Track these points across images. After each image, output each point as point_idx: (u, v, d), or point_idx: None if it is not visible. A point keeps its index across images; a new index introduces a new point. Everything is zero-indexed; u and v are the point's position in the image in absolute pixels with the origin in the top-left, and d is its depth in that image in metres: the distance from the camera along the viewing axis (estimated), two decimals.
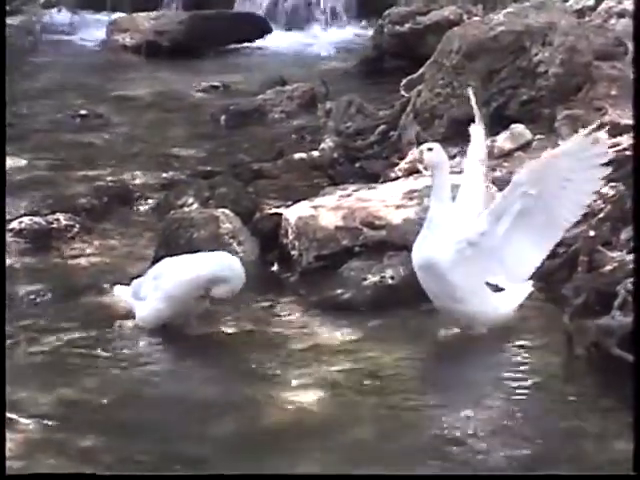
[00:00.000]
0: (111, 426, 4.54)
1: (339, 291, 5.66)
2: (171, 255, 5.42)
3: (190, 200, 6.55)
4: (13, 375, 4.82)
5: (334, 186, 6.38)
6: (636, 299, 4.82)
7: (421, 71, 7.30)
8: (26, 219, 6.51)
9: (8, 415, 4.52)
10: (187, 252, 5.48)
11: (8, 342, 5.14)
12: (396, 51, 9.34)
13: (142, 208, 6.80)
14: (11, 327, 5.29)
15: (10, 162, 7.34)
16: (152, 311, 5.25)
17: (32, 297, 5.70)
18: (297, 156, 7.05)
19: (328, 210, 5.94)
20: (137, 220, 6.68)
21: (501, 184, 6.17)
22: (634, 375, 4.46)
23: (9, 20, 10.16)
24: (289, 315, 5.54)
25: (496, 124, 6.78)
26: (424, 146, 5.23)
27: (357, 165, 6.95)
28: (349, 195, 6.05)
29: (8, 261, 6.11)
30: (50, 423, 4.54)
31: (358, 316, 5.48)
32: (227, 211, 6.14)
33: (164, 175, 7.19)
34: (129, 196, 6.91)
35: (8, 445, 4.33)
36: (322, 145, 7.07)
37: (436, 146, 5.20)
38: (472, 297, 5.04)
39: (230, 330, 5.35)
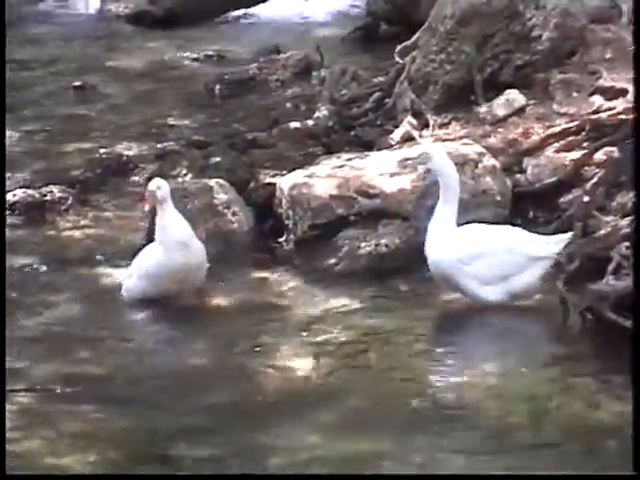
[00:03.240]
0: (106, 397, 4.56)
1: (334, 260, 5.69)
2: None
3: (184, 170, 6.56)
4: (9, 347, 4.84)
5: (329, 155, 6.38)
6: (636, 270, 4.84)
7: (415, 37, 7.26)
8: (20, 192, 6.51)
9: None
10: None
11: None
12: (391, 18, 9.30)
13: (136, 179, 6.79)
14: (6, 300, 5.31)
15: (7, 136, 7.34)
16: (133, 286, 5.34)
17: (26, 270, 5.72)
18: (292, 125, 7.01)
19: (322, 179, 5.94)
20: (131, 191, 6.66)
21: (495, 151, 6.19)
22: (634, 375, 4.44)
23: None
24: (284, 284, 5.55)
25: (490, 90, 6.77)
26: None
27: (352, 133, 6.91)
28: (343, 164, 6.05)
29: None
30: (45, 394, 4.58)
31: (353, 284, 5.50)
32: (221, 181, 6.13)
33: (158, 145, 7.17)
34: (123, 167, 6.90)
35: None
36: (317, 114, 7.03)
37: (437, 151, 5.26)
38: (485, 289, 5.13)
39: (224, 301, 5.37)
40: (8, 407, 4.39)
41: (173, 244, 5.24)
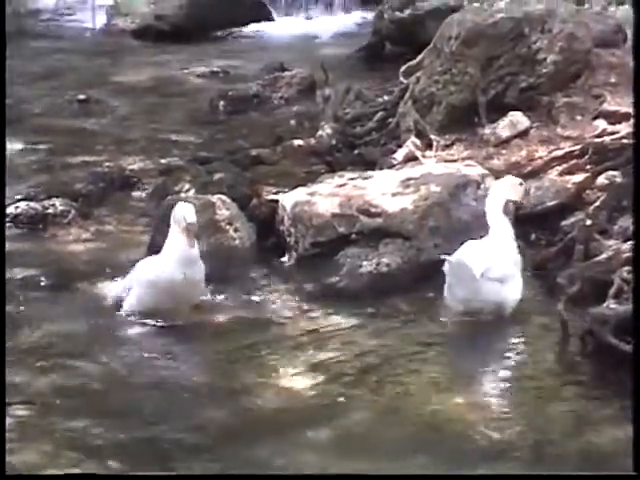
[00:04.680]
0: (102, 411, 4.55)
1: (335, 278, 5.69)
2: (164, 241, 5.39)
3: (187, 186, 6.56)
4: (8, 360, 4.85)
5: (332, 173, 6.39)
6: (636, 292, 4.85)
7: (420, 57, 7.29)
8: (22, 204, 6.52)
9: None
10: None
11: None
12: (396, 37, 9.33)
13: (139, 194, 6.81)
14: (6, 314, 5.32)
15: (7, 146, 7.35)
16: (130, 300, 5.32)
17: (27, 283, 5.71)
18: (295, 142, 7.05)
19: (325, 197, 5.95)
20: (134, 205, 6.68)
21: (498, 173, 6.20)
22: (634, 375, 4.46)
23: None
24: (285, 302, 5.54)
25: (494, 111, 6.78)
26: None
27: (355, 152, 6.94)
28: (346, 182, 6.06)
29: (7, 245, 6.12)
30: (42, 407, 4.57)
31: (354, 303, 5.49)
32: (224, 197, 6.14)
33: (162, 161, 7.20)
34: (126, 181, 6.91)
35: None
36: (320, 132, 7.06)
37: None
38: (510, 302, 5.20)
39: (224, 317, 5.36)
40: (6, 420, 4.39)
41: (182, 258, 5.23)
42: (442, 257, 5.18)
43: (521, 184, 5.44)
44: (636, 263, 4.94)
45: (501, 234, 5.27)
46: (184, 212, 5.26)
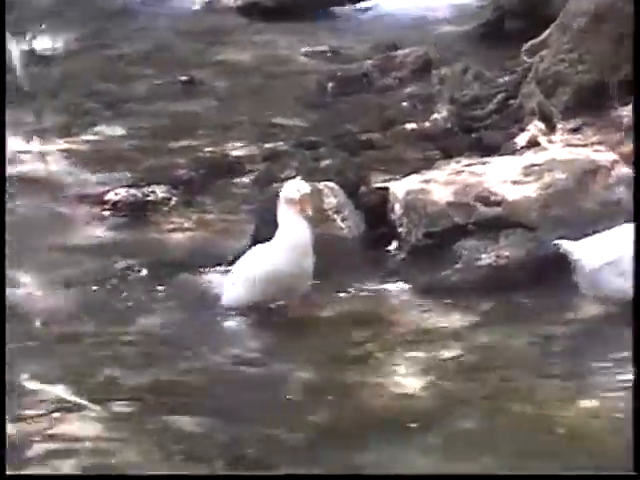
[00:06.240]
0: (205, 409, 4.61)
1: (449, 271, 5.67)
2: (270, 231, 5.44)
3: (293, 172, 6.59)
4: (104, 355, 4.97)
5: (447, 159, 6.37)
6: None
7: (545, 34, 7.20)
8: (122, 190, 6.63)
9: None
10: None
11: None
12: (518, 11, 9.21)
13: (242, 180, 6.87)
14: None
15: (107, 131, 7.47)
16: (235, 293, 5.35)
17: (128, 273, 5.80)
18: (408, 126, 7.06)
19: (440, 184, 5.94)
20: (237, 193, 6.74)
21: (630, 159, 6.09)
22: (634, 375, 4.47)
23: None
24: (394, 296, 5.55)
25: (626, 92, 6.66)
26: None
27: (473, 136, 6.90)
28: (463, 169, 6.04)
29: (103, 234, 6.21)
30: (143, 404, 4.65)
31: (470, 298, 5.48)
32: (331, 184, 6.17)
33: (266, 145, 7.25)
34: (229, 167, 6.99)
35: None
36: (435, 114, 7.06)
37: None
38: None
39: (332, 312, 5.39)
40: (105, 416, 4.45)
41: (297, 246, 5.24)
42: (556, 243, 5.15)
43: None
44: (636, 263, 4.97)
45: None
46: (295, 185, 5.30)
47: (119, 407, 4.60)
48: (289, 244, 5.24)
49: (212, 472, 4.18)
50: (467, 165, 6.09)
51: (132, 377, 4.84)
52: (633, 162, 5.53)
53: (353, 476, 4.16)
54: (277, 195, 5.43)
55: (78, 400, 4.57)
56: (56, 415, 4.51)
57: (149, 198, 6.56)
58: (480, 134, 6.87)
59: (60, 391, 4.64)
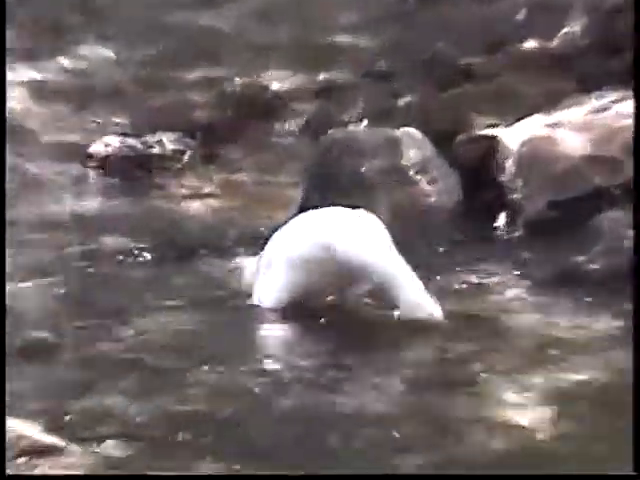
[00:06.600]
0: (237, 452, 4.58)
1: (585, 256, 5.67)
2: (325, 197, 5.53)
3: (357, 113, 6.71)
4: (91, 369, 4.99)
5: (583, 93, 6.43)
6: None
7: None
8: (114, 140, 6.67)
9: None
10: (350, 192, 5.58)
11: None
12: None
13: (286, 126, 6.94)
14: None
15: (94, 54, 7.50)
16: (278, 285, 5.39)
17: (122, 258, 5.83)
18: (526, 45, 7.12)
19: (572, 130, 6.02)
20: (278, 143, 6.84)
21: None
22: (635, 375, 4.68)
23: None
24: (506, 290, 5.60)
25: None
26: None
27: (620, 60, 6.84)
28: (606, 107, 6.09)
29: (87, 202, 6.25)
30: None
31: (615, 294, 5.48)
32: (413, 131, 6.24)
33: (320, 76, 7.32)
34: (267, 107, 7.06)
35: None
36: (566, 28, 7.04)
37: None
38: None
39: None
40: (89, 462, 4.45)
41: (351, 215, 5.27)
42: None
43: None
44: (636, 263, 5.33)
45: None
46: None
47: (109, 448, 4.57)
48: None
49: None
50: (613, 102, 6.13)
51: (128, 406, 4.82)
52: (633, 162, 5.70)
53: (353, 476, 4.27)
54: (337, 145, 5.50)
55: (53, 439, 4.55)
56: (20, 461, 4.46)
57: (153, 151, 6.62)
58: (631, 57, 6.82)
59: (27, 428, 4.60)
